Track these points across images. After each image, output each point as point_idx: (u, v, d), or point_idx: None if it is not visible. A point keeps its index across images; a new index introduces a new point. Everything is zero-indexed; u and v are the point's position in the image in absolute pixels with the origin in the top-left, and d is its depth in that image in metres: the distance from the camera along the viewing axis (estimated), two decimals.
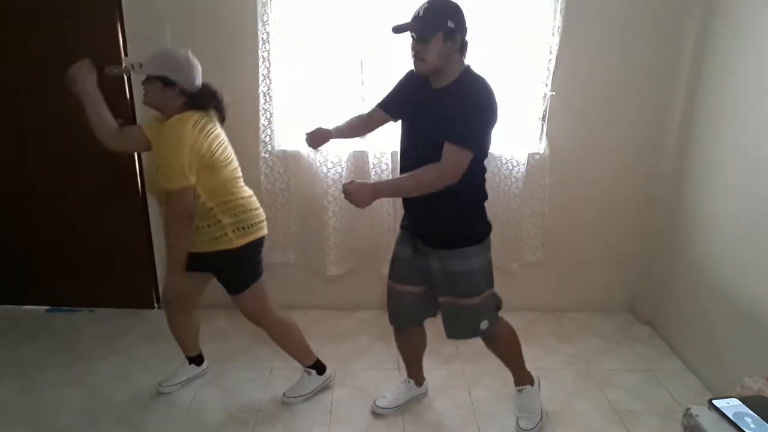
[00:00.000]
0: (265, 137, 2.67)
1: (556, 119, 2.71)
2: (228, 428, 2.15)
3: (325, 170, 2.72)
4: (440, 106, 1.73)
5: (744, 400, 1.17)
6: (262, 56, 2.55)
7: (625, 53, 2.66)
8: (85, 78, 1.88)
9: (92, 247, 2.91)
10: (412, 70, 1.83)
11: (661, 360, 2.66)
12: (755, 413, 1.13)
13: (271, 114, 2.65)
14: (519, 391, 2.17)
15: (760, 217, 2.13)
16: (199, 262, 1.99)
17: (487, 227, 1.93)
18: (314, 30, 2.57)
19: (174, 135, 1.83)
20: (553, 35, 2.56)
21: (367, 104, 2.65)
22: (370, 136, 2.68)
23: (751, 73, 2.23)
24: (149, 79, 1.88)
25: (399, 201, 2.76)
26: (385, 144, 2.70)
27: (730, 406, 1.15)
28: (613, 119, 2.75)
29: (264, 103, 2.62)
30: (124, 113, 2.67)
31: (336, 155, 2.71)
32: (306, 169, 2.75)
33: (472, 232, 1.89)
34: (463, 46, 1.74)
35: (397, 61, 2.59)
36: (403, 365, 2.42)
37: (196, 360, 2.43)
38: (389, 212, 2.78)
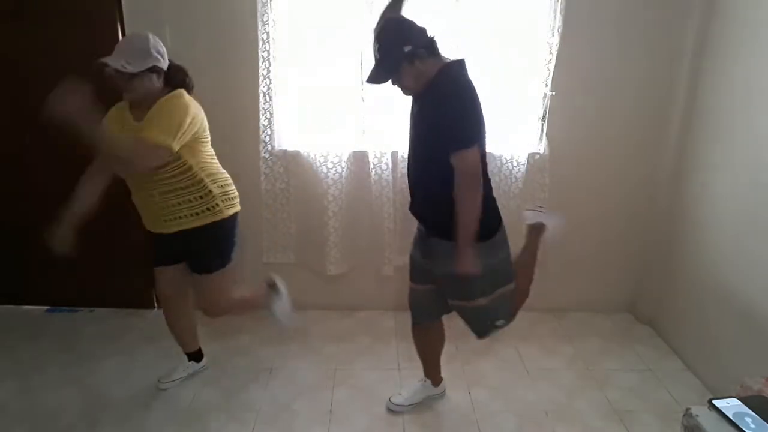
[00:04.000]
0: (265, 137, 2.67)
1: (555, 119, 2.71)
2: (228, 428, 2.15)
3: (325, 170, 2.72)
4: (422, 110, 1.78)
5: (744, 400, 1.17)
6: (262, 56, 2.55)
7: (625, 53, 2.65)
8: (68, 102, 1.68)
9: (92, 247, 2.89)
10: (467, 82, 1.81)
11: (661, 360, 2.66)
12: (755, 413, 1.13)
13: (271, 114, 2.65)
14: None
15: (760, 217, 2.13)
16: (182, 244, 2.03)
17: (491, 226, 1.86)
18: (314, 30, 2.57)
19: (179, 104, 1.87)
20: (553, 35, 2.56)
21: (367, 104, 2.66)
22: (370, 134, 2.71)
23: (750, 73, 2.23)
24: (137, 75, 1.85)
25: (398, 201, 2.78)
26: (385, 144, 2.70)
27: (730, 406, 1.15)
28: (612, 119, 2.75)
29: (264, 103, 2.62)
30: None
31: (336, 155, 2.71)
32: (306, 169, 2.75)
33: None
34: (429, 49, 1.73)
35: None
36: (403, 365, 2.42)
37: (196, 356, 2.44)
38: (389, 212, 2.78)
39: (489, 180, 1.84)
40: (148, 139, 1.81)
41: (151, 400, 2.28)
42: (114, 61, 1.81)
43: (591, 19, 2.58)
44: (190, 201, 1.97)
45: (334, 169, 2.72)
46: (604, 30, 2.61)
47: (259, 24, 2.51)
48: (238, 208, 2.12)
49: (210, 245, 2.07)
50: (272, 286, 2.39)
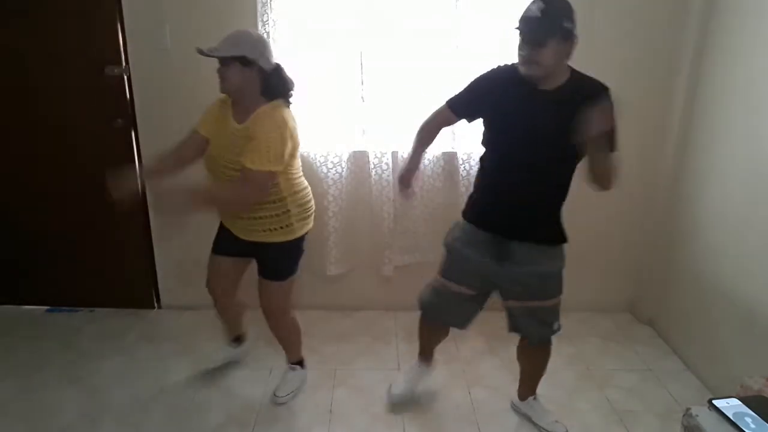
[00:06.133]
0: None
1: None
2: (228, 428, 2.15)
3: (325, 170, 2.72)
4: (561, 105, 1.66)
5: (744, 400, 1.17)
6: None
7: (625, 54, 2.65)
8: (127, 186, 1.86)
9: (93, 247, 2.91)
10: (496, 72, 1.80)
11: (661, 360, 2.66)
12: (755, 413, 1.13)
13: None
14: None
15: (760, 217, 2.13)
16: (253, 250, 2.06)
17: None
18: (314, 30, 2.57)
19: (278, 120, 1.85)
20: None
21: (367, 104, 2.66)
22: (370, 134, 2.71)
23: (751, 73, 2.23)
24: (226, 63, 1.83)
25: (398, 201, 2.77)
26: (385, 144, 2.70)
27: (730, 406, 1.15)
28: None
29: None
30: (124, 113, 2.68)
31: (336, 155, 2.71)
32: (306, 169, 2.72)
33: None
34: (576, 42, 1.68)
35: (397, 60, 2.60)
36: (403, 365, 2.42)
37: (237, 339, 2.49)
38: (389, 212, 2.78)
39: None
40: (254, 176, 1.81)
41: (151, 400, 2.28)
42: (206, 47, 1.82)
43: (591, 19, 2.57)
44: (270, 217, 1.97)
45: (334, 169, 2.72)
46: (604, 30, 2.60)
47: (259, 24, 2.51)
48: (310, 225, 2.11)
49: (279, 257, 2.09)
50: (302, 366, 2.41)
